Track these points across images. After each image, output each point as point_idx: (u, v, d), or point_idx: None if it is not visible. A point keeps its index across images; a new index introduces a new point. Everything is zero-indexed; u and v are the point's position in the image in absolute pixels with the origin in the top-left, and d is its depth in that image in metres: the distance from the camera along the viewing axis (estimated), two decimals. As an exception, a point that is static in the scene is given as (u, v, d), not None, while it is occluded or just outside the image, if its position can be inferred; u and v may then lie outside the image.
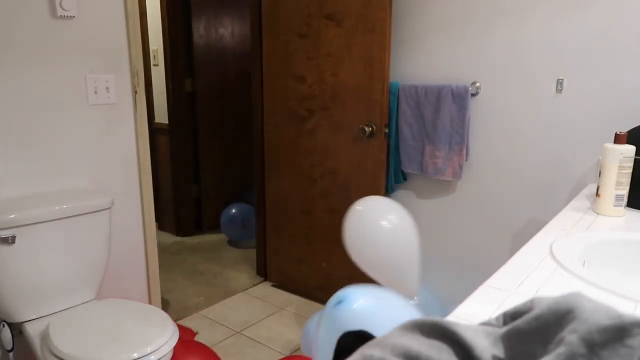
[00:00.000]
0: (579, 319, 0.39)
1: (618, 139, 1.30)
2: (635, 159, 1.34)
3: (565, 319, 0.40)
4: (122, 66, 1.89)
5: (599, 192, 1.34)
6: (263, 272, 2.90)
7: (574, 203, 1.45)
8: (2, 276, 1.52)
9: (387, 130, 2.23)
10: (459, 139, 2.07)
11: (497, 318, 0.46)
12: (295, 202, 2.60)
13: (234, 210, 3.43)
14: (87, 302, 1.72)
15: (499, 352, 0.41)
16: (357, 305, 1.31)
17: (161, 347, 1.42)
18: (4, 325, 1.59)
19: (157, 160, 3.62)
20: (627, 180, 1.30)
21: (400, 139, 2.24)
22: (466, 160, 2.12)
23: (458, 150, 2.08)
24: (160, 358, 1.40)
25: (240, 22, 3.67)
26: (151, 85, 3.52)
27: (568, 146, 1.89)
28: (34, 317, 1.61)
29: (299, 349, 2.19)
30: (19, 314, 1.59)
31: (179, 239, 3.61)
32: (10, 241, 1.50)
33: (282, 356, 2.12)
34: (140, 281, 2.07)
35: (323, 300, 2.60)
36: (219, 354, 2.12)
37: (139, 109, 1.95)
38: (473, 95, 2.07)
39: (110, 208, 1.74)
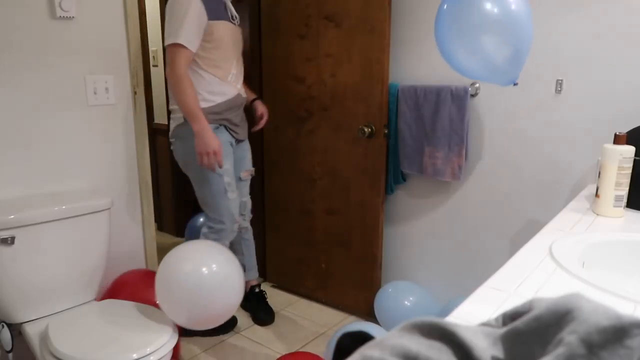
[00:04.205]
0: (578, 320, 0.39)
1: (617, 140, 1.30)
2: (634, 160, 1.34)
3: (565, 319, 0.40)
4: (122, 67, 1.89)
5: (598, 193, 1.34)
6: (262, 272, 2.89)
7: (573, 204, 1.45)
8: (1, 277, 1.52)
9: (386, 131, 2.23)
10: (458, 140, 2.07)
11: (496, 319, 0.46)
12: (294, 203, 2.60)
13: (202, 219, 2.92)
14: (87, 302, 1.72)
15: (499, 352, 0.41)
16: None
17: (161, 347, 1.42)
18: (3, 326, 1.59)
19: (157, 160, 3.62)
20: (626, 180, 1.30)
21: (400, 140, 2.24)
22: (465, 161, 2.12)
23: (457, 151, 2.08)
24: (160, 359, 1.40)
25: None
26: (151, 86, 3.51)
27: (567, 147, 1.89)
28: (34, 318, 1.61)
29: (297, 349, 2.19)
30: (18, 315, 1.58)
31: (178, 239, 3.60)
32: (9, 242, 1.49)
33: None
34: (140, 282, 2.07)
35: (322, 301, 2.60)
36: (219, 354, 2.12)
37: (139, 109, 1.95)
38: (472, 96, 2.07)
39: (110, 208, 1.75)
